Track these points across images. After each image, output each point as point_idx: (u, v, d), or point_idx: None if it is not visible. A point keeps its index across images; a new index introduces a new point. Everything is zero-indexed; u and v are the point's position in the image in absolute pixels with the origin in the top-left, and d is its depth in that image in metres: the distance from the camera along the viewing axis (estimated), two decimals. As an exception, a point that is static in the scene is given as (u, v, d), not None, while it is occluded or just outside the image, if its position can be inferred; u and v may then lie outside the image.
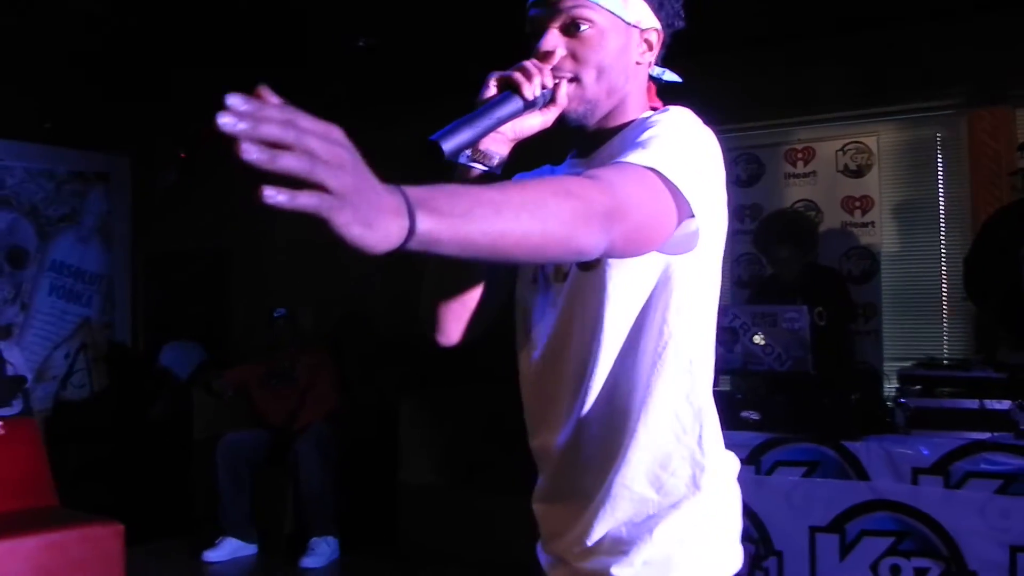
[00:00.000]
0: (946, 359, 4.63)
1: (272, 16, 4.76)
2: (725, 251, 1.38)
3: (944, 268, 4.89)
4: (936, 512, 3.27)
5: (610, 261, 1.30)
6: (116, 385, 7.70)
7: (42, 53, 5.27)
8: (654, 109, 1.41)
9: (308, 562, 5.10)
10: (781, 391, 3.76)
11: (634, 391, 1.33)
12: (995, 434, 3.30)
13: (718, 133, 1.33)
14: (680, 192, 1.17)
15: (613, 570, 1.35)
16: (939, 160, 4.94)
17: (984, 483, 3.23)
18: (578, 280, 1.36)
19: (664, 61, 1.45)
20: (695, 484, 1.35)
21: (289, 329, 5.90)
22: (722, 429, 1.40)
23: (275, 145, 0.73)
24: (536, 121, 1.32)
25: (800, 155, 5.30)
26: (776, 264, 4.53)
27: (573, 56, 1.33)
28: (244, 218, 6.18)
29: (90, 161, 7.67)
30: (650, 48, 1.40)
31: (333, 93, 5.44)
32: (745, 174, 5.40)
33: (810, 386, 3.63)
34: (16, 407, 5.84)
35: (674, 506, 1.35)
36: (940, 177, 4.94)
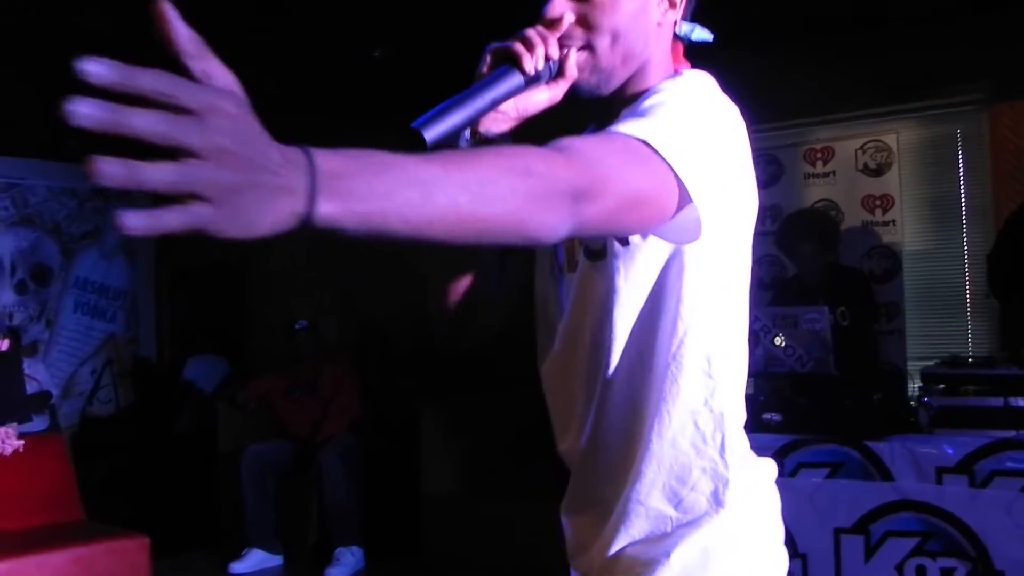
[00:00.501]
0: (970, 357, 4.58)
1: (285, 27, 4.79)
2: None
3: (967, 265, 4.84)
4: (961, 512, 3.23)
5: (617, 250, 1.17)
6: (142, 399, 7.76)
7: (63, 73, 5.32)
8: (679, 73, 1.24)
9: (333, 572, 5.12)
10: (803, 392, 3.74)
11: (648, 393, 1.20)
12: (1020, 432, 3.26)
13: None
14: (675, 172, 1.00)
15: None
16: (960, 157, 4.89)
17: (1010, 481, 3.18)
18: (586, 270, 1.23)
19: (694, 17, 1.27)
20: (717, 500, 1.21)
21: (311, 340, 5.93)
22: (745, 432, 1.27)
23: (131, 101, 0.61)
24: (543, 96, 1.17)
25: (819, 155, 5.26)
26: (799, 261, 4.49)
27: (583, 22, 1.16)
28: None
29: (112, 178, 7.74)
30: (672, 6, 1.22)
31: (344, 102, 5.46)
32: (764, 175, 5.37)
33: (832, 387, 3.61)
34: (42, 423, 5.88)
35: (694, 524, 1.21)
36: (961, 174, 4.88)
